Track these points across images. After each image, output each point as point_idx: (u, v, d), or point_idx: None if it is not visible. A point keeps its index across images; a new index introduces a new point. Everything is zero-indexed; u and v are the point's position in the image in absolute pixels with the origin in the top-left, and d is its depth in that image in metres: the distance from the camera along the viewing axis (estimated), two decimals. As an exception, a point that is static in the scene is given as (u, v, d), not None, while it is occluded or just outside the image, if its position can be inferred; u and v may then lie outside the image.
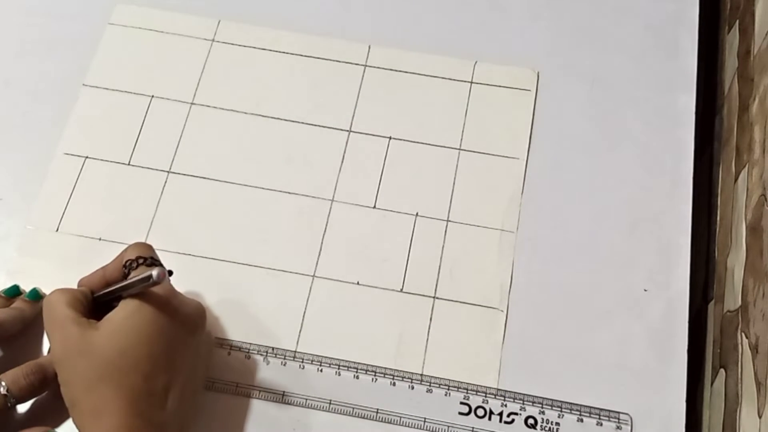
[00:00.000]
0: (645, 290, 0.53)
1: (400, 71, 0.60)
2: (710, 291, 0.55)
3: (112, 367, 0.42)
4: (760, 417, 0.43)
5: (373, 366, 0.50)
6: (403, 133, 0.58)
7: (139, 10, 0.61)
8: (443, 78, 0.59)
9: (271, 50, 0.60)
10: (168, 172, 0.56)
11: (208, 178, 0.56)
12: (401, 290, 0.53)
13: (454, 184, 0.56)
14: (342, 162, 0.57)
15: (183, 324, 0.46)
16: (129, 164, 0.56)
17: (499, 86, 0.59)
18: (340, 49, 0.60)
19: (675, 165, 0.57)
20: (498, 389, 0.50)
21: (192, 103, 0.58)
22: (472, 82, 0.59)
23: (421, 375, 0.50)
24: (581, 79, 0.60)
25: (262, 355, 0.50)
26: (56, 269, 0.52)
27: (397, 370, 0.50)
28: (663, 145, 0.57)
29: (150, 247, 0.47)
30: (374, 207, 0.55)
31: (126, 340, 0.43)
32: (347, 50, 0.60)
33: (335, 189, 0.56)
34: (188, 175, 0.56)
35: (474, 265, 0.53)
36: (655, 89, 0.59)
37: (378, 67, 0.60)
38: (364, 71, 0.60)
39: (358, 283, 0.53)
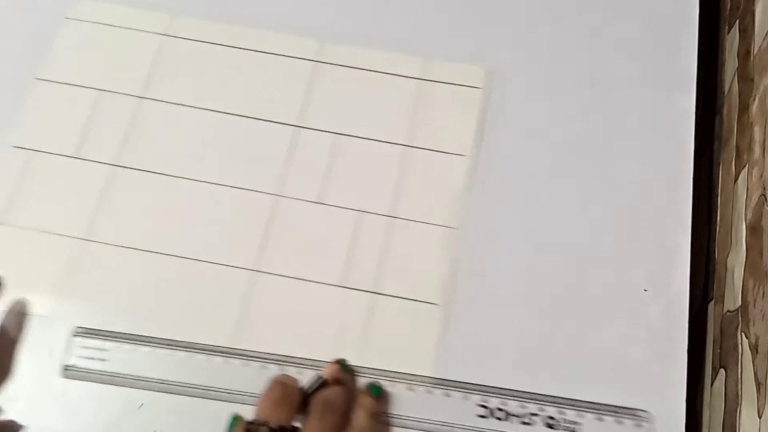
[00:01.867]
0: (645, 290, 0.53)
1: (352, 67, 0.60)
2: (710, 291, 0.55)
3: None
4: (760, 417, 0.43)
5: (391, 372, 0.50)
6: (352, 130, 0.58)
7: (95, 5, 0.62)
8: (394, 75, 0.60)
9: (223, 45, 0.61)
10: (115, 165, 0.56)
11: (155, 172, 0.56)
12: (342, 285, 0.53)
13: (399, 180, 0.56)
14: (289, 157, 0.57)
15: None
16: (76, 157, 0.57)
17: (450, 84, 0.59)
18: (293, 44, 0.61)
19: (675, 165, 0.57)
20: (518, 390, 0.49)
21: (142, 98, 0.59)
22: (422, 80, 0.60)
23: (440, 379, 0.50)
24: (581, 79, 0.60)
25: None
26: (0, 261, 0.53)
27: (413, 375, 0.50)
28: (663, 145, 0.57)
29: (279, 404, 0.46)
30: (319, 202, 0.55)
31: None
32: (299, 46, 0.61)
33: (281, 184, 0.56)
34: (135, 168, 0.56)
35: (415, 261, 0.53)
36: (655, 89, 0.59)
37: (330, 63, 0.60)
38: (315, 67, 0.60)
39: (299, 278, 0.53)
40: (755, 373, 0.44)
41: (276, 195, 0.55)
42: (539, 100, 0.59)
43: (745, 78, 0.55)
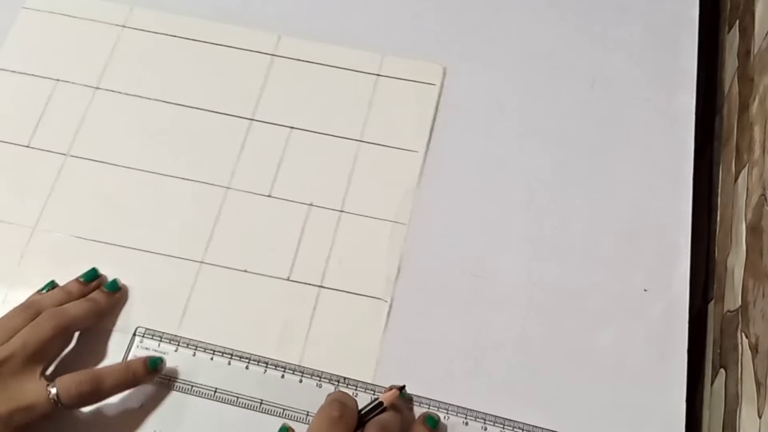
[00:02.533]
0: (645, 290, 0.53)
1: (309, 62, 0.60)
2: (710, 291, 0.55)
3: None
4: (760, 417, 0.43)
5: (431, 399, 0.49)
6: (306, 124, 0.58)
7: None
8: (350, 70, 0.60)
9: (180, 37, 0.61)
10: (66, 155, 0.57)
11: (106, 162, 0.56)
12: (288, 278, 0.53)
13: (351, 175, 0.56)
14: (242, 150, 0.57)
15: None
16: (29, 146, 0.57)
17: (405, 80, 0.60)
18: (250, 38, 0.61)
19: (675, 165, 0.57)
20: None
21: (97, 88, 0.59)
22: (378, 75, 0.60)
23: (497, 416, 0.49)
24: (581, 79, 0.60)
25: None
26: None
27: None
28: (663, 145, 0.57)
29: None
30: (269, 196, 0.56)
31: None
32: (257, 39, 0.61)
33: (232, 176, 0.56)
34: (86, 158, 0.57)
35: (362, 256, 0.54)
36: (655, 89, 0.59)
37: (287, 57, 0.60)
38: (272, 61, 0.60)
39: (246, 271, 0.53)
40: (755, 373, 0.44)
41: (227, 187, 0.56)
42: (495, 96, 0.59)
43: (745, 78, 0.55)
